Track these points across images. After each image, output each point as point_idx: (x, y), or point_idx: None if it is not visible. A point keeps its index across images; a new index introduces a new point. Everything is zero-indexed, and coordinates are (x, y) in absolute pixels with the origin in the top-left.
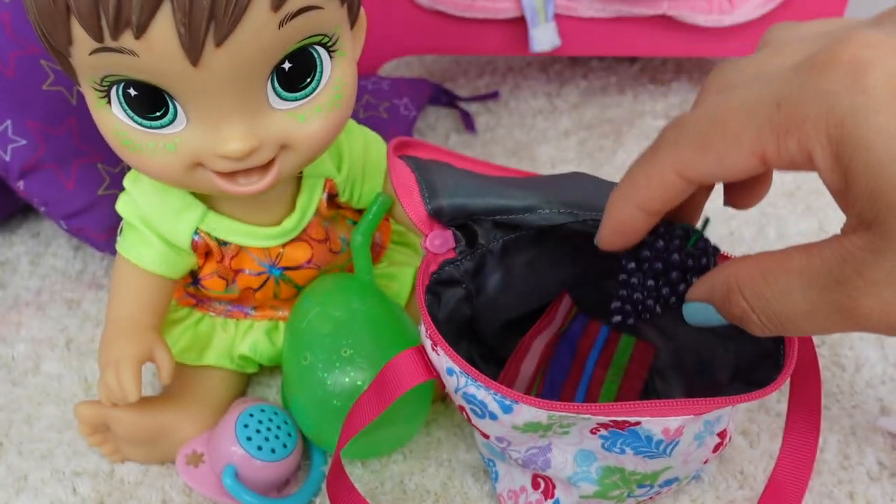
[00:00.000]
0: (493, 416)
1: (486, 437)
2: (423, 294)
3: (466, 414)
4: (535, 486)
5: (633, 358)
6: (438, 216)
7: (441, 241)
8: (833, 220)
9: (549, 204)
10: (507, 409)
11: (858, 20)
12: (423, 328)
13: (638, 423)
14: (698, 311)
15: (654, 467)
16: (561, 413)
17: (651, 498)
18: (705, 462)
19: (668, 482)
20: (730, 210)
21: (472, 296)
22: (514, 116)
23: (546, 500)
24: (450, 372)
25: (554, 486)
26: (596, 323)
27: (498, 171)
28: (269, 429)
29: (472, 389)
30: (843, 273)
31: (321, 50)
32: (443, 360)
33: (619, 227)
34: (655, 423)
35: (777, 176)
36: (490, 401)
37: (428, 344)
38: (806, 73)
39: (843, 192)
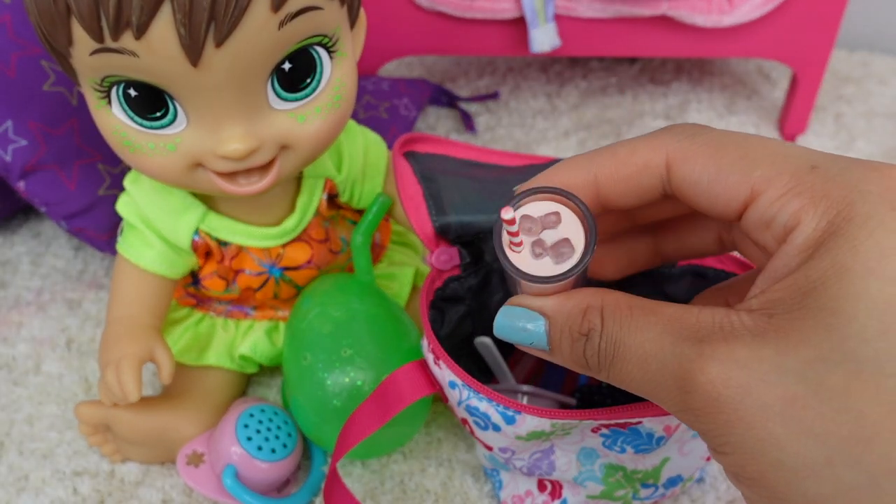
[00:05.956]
0: (497, 428)
1: (489, 448)
2: (427, 310)
3: (469, 426)
4: (542, 488)
5: None
6: (445, 233)
7: (447, 258)
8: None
9: None
10: (510, 420)
11: None
12: (425, 343)
13: (639, 423)
14: (519, 317)
15: (654, 461)
16: (564, 420)
17: (656, 502)
18: (708, 459)
19: (672, 481)
20: None
21: (473, 313)
22: (514, 117)
23: (553, 500)
24: (452, 385)
25: (561, 486)
26: None
27: (506, 160)
28: (269, 429)
29: (474, 402)
30: (710, 334)
31: (321, 50)
32: (445, 374)
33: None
34: (657, 421)
35: None
36: (493, 412)
37: (430, 358)
38: (854, 163)
39: (785, 276)
